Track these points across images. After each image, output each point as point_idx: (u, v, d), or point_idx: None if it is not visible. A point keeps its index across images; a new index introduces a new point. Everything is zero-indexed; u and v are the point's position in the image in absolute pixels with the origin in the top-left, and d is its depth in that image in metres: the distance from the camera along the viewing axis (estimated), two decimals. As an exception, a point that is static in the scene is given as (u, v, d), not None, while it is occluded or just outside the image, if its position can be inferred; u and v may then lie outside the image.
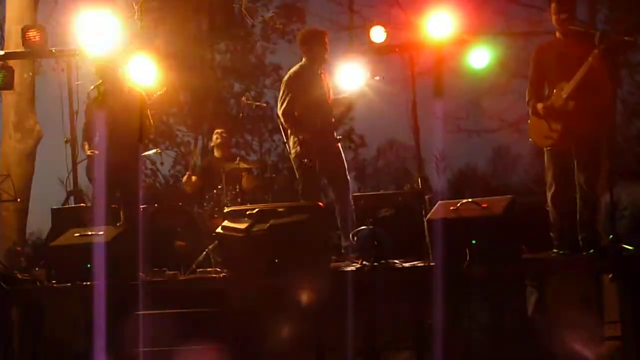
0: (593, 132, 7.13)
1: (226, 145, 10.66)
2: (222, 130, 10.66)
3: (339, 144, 8.26)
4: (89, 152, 8.41)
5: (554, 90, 7.16)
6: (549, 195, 7.24)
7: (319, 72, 7.89)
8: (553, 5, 7.17)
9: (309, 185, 8.00)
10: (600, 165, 7.22)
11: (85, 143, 8.54)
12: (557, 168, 7.21)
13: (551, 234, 7.19)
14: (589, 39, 6.97)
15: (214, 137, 10.57)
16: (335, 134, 8.26)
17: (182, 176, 10.92)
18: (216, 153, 10.52)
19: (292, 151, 8.08)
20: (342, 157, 8.21)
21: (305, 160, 7.90)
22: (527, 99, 7.40)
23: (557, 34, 7.25)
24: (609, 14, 17.24)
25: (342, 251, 7.80)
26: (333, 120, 8.27)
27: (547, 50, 7.35)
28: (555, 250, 6.99)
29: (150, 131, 8.85)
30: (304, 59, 8.21)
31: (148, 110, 8.55)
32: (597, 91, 7.05)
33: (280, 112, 8.13)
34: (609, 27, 16.27)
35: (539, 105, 7.23)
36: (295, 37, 22.75)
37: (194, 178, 10.31)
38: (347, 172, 8.23)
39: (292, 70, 8.25)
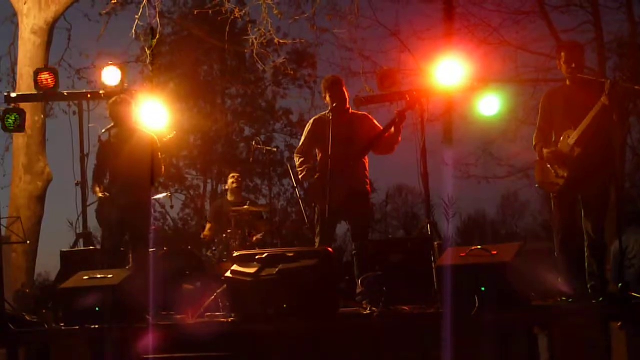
0: (600, 179, 7.15)
1: (239, 189, 10.71)
2: (238, 174, 10.72)
3: (365, 187, 8.07)
4: (99, 194, 8.44)
5: (561, 137, 7.19)
6: (556, 241, 7.25)
7: (329, 117, 7.90)
8: (561, 53, 7.24)
9: (318, 228, 7.98)
10: (608, 213, 7.21)
11: (96, 185, 8.57)
12: (563, 214, 7.23)
13: (559, 280, 7.18)
14: (598, 86, 7.01)
15: (230, 180, 10.61)
16: (356, 176, 7.99)
17: (191, 220, 10.95)
18: (229, 196, 10.55)
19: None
20: (362, 200, 8.05)
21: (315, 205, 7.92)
22: (533, 144, 7.45)
23: (567, 81, 7.30)
24: (619, 61, 17.34)
25: (356, 298, 7.70)
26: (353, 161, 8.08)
27: (555, 97, 7.40)
28: (564, 298, 6.96)
29: (161, 174, 8.89)
30: None
31: (159, 153, 8.61)
32: (604, 138, 7.07)
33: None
34: (618, 74, 16.34)
35: (546, 150, 7.26)
36: (305, 82, 23.23)
37: (209, 224, 10.41)
38: (366, 216, 8.18)
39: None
